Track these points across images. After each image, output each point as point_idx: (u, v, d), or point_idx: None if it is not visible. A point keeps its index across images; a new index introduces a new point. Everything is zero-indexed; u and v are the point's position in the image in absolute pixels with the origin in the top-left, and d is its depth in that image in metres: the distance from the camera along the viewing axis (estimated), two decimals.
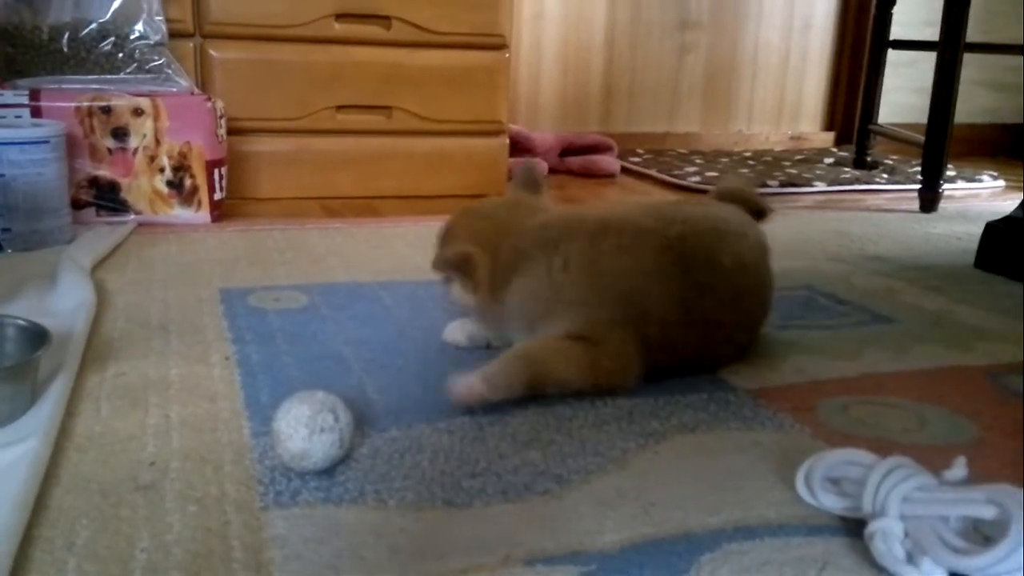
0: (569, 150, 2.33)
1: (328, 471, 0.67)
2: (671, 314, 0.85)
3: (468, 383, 0.78)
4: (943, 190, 1.91)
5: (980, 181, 2.29)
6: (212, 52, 1.73)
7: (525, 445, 0.73)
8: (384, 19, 1.80)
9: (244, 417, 0.77)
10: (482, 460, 0.70)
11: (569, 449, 0.72)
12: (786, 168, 2.36)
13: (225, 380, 0.85)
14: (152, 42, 1.58)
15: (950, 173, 2.10)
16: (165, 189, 1.52)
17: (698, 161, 2.44)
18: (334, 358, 0.92)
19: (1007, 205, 1.85)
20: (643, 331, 0.84)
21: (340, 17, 1.78)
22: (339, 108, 1.82)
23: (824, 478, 0.64)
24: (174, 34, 1.65)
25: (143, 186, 1.52)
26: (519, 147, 2.18)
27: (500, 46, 1.89)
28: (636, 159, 2.42)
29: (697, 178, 2.15)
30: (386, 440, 0.73)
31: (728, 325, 0.90)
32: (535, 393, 0.80)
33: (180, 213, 1.53)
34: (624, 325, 0.83)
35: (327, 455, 0.66)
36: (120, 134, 1.49)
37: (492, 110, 1.91)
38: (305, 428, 0.66)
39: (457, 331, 0.98)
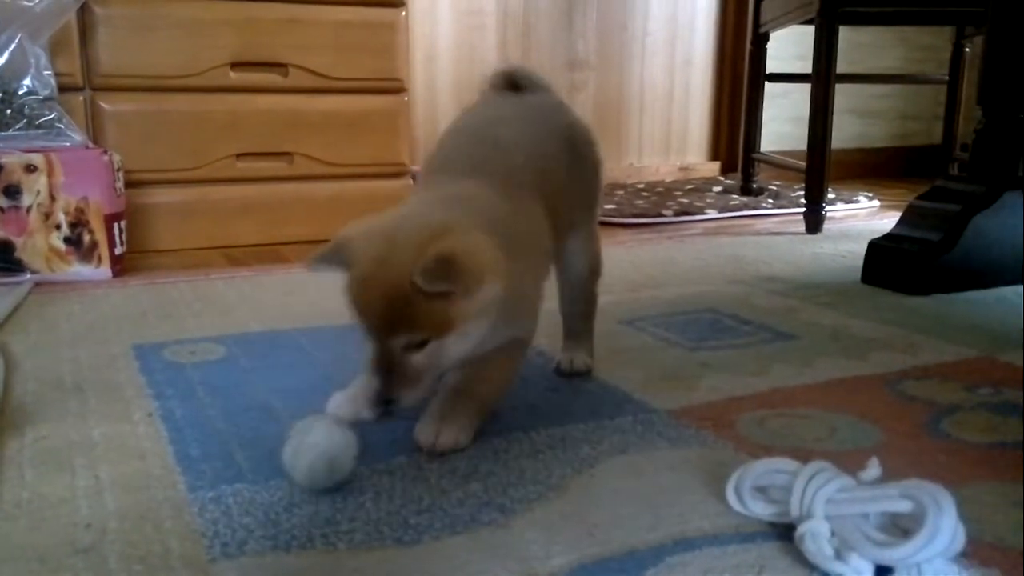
0: None
1: (274, 520, 0.67)
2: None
3: (450, 435, 0.79)
4: (825, 212, 2.03)
5: (857, 202, 2.44)
6: (103, 105, 1.70)
7: (465, 479, 0.74)
8: (281, 67, 1.81)
9: (177, 472, 0.76)
10: (426, 497, 0.71)
11: (509, 479, 0.74)
12: (678, 198, 2.46)
13: (151, 437, 0.83)
14: (42, 97, 1.55)
15: (830, 196, 2.23)
16: (62, 246, 1.48)
17: None
18: (261, 408, 0.91)
19: (884, 223, 1.97)
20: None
21: (236, 66, 1.77)
22: (239, 156, 1.81)
23: (752, 487, 0.67)
24: (64, 88, 1.62)
25: (39, 244, 1.47)
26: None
27: (398, 90, 1.92)
28: None
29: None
30: None
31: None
32: None
33: (80, 270, 1.49)
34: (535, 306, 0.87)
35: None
36: (12, 192, 1.45)
37: (394, 152, 1.93)
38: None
39: (345, 403, 0.84)
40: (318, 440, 0.72)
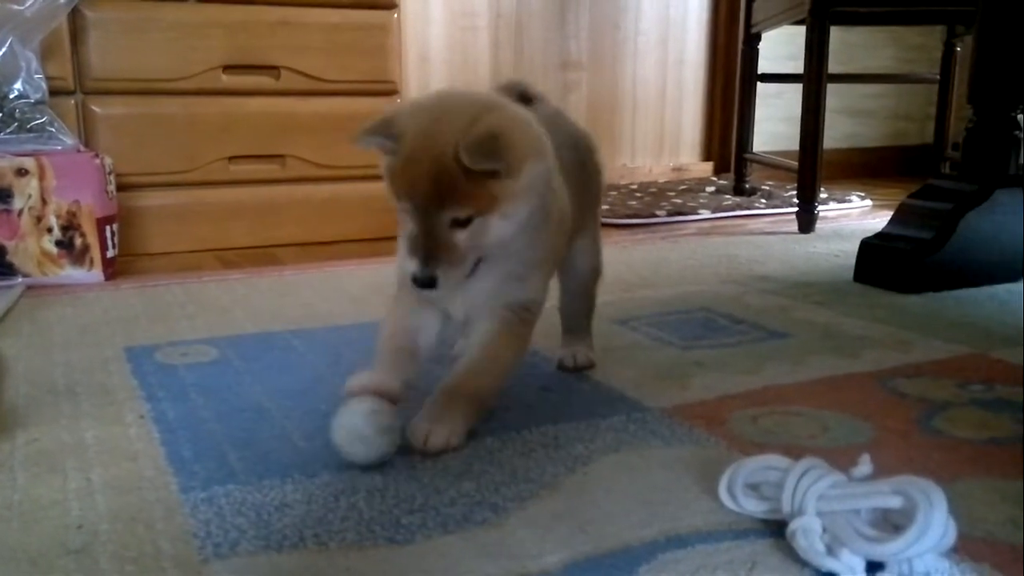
0: None
1: (266, 520, 0.67)
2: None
3: (440, 436, 0.79)
4: (818, 211, 2.03)
5: (850, 201, 2.44)
6: (95, 108, 1.70)
7: (458, 478, 0.74)
8: (273, 69, 1.81)
9: (169, 474, 0.76)
10: (418, 496, 0.71)
11: (501, 478, 0.74)
12: (671, 198, 2.46)
13: (143, 439, 0.83)
14: (33, 100, 1.54)
15: (822, 195, 2.23)
16: (54, 249, 1.48)
17: None
18: (254, 409, 0.91)
19: (876, 223, 1.98)
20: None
21: (228, 69, 1.77)
22: (231, 159, 1.81)
23: (744, 484, 0.68)
24: (55, 91, 1.62)
25: (30, 248, 1.47)
26: None
27: (391, 92, 1.92)
28: None
29: None
30: (319, 485, 0.73)
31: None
32: None
33: (71, 273, 1.49)
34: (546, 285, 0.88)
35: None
36: (3, 195, 1.45)
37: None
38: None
39: (366, 379, 0.80)
40: (343, 421, 0.76)
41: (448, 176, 0.72)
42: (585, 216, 1.00)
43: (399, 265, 0.82)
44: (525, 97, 0.98)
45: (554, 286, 1.04)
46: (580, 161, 0.98)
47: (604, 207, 2.25)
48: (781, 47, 2.78)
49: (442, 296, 0.80)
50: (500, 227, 0.76)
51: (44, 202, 1.47)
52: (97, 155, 1.53)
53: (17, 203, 1.46)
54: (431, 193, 0.73)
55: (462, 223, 0.74)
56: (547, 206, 0.81)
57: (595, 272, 1.05)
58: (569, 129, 1.00)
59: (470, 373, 0.84)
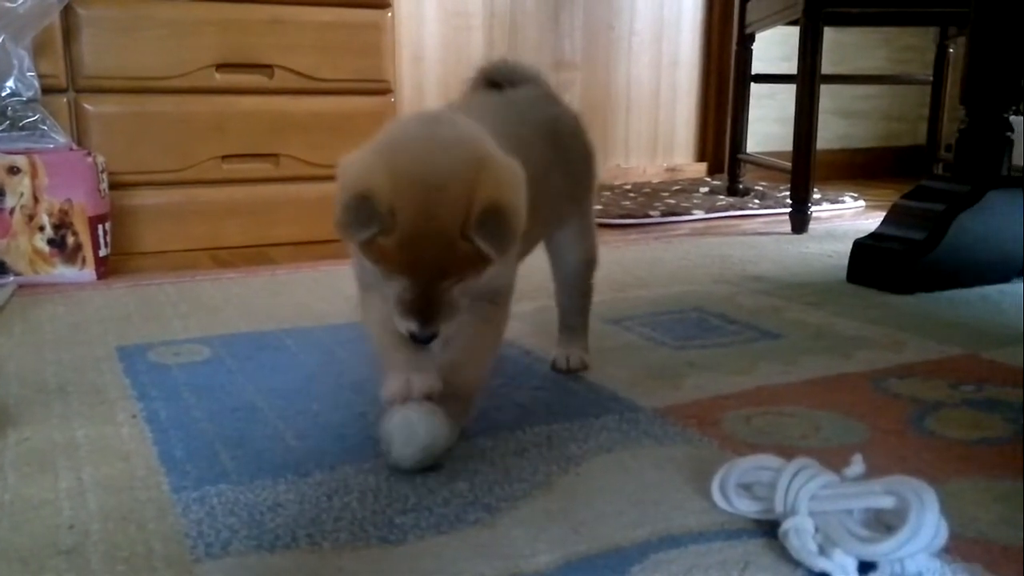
0: None
1: (259, 520, 0.67)
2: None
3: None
4: (811, 212, 2.04)
5: (843, 202, 2.45)
6: (87, 106, 1.69)
7: (451, 477, 0.74)
8: (266, 68, 1.80)
9: (161, 474, 0.75)
10: (411, 496, 0.71)
11: (495, 477, 0.74)
12: (665, 199, 2.47)
13: (135, 438, 0.83)
14: (25, 98, 1.54)
15: (816, 196, 2.24)
16: (46, 248, 1.47)
17: None
18: (247, 408, 0.91)
19: (869, 223, 1.98)
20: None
21: (220, 67, 1.77)
22: (224, 157, 1.80)
23: (737, 484, 0.68)
24: (47, 89, 1.61)
25: (22, 246, 1.46)
26: None
27: (385, 91, 1.91)
28: None
29: None
30: (311, 484, 0.73)
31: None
32: None
33: (64, 272, 1.48)
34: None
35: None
36: None
37: None
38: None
39: (403, 384, 0.77)
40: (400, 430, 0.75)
41: (453, 254, 0.71)
42: (570, 204, 0.98)
43: (358, 272, 0.80)
44: (493, 82, 0.98)
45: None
46: (562, 146, 0.95)
47: (598, 207, 2.26)
48: (774, 48, 2.79)
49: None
50: (493, 274, 0.75)
51: (36, 200, 1.46)
52: (89, 153, 1.53)
53: (9, 201, 1.45)
54: (435, 270, 0.71)
55: (459, 285, 0.73)
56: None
57: (588, 263, 1.02)
58: (552, 112, 0.97)
59: (454, 371, 0.81)
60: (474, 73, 1.00)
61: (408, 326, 0.73)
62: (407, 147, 0.74)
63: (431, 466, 0.75)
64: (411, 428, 0.74)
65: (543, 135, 0.94)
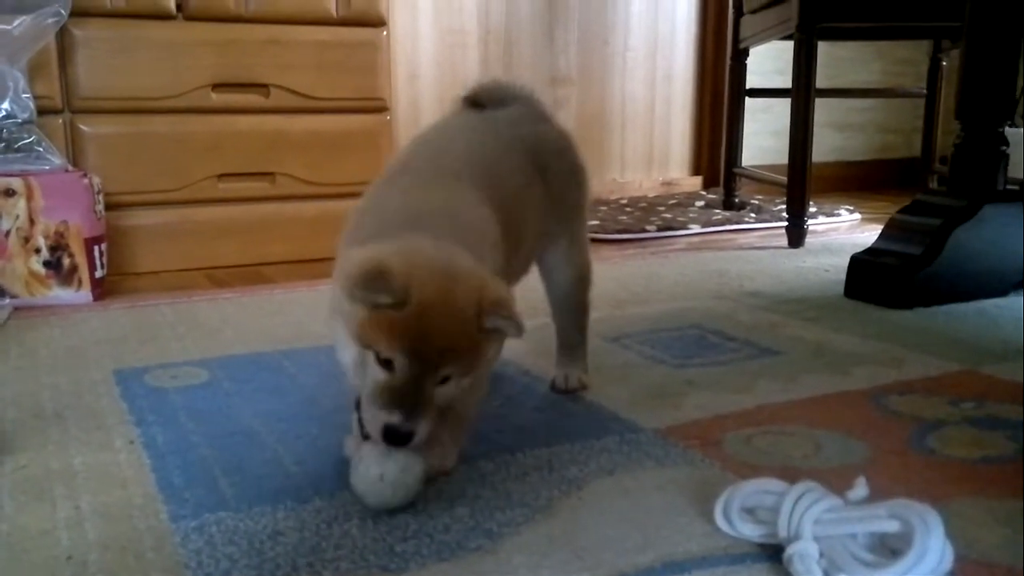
0: None
1: (258, 549, 0.66)
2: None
3: (436, 457, 0.76)
4: (807, 226, 2.04)
5: (839, 215, 2.45)
6: (83, 127, 1.69)
7: (452, 503, 0.74)
8: (263, 87, 1.81)
9: (159, 501, 0.75)
10: (412, 522, 0.70)
11: (496, 503, 0.74)
12: (661, 213, 2.47)
13: (133, 465, 0.82)
14: (20, 120, 1.53)
15: (812, 209, 2.24)
16: (42, 270, 1.47)
17: None
18: (245, 433, 0.90)
19: (865, 236, 1.99)
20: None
21: (217, 87, 1.77)
22: (221, 177, 1.80)
23: (740, 508, 0.67)
24: (43, 111, 1.61)
25: (18, 268, 1.46)
26: None
27: (381, 109, 1.92)
28: None
29: None
30: (311, 511, 0.73)
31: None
32: None
33: (60, 294, 1.48)
34: None
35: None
36: None
37: (376, 171, 1.91)
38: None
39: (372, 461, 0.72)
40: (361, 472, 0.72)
41: (461, 333, 0.70)
42: (557, 222, 0.97)
43: (338, 345, 0.76)
44: (476, 102, 0.99)
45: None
46: (543, 164, 0.95)
47: (594, 222, 2.26)
48: (769, 62, 2.80)
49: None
50: (466, 384, 0.73)
51: (32, 222, 1.46)
52: (85, 174, 1.52)
53: (5, 224, 1.45)
54: (442, 351, 0.69)
55: (445, 380, 0.71)
56: None
57: (581, 282, 1.02)
58: (536, 130, 0.98)
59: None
60: (464, 93, 1.00)
61: (388, 418, 0.69)
62: (413, 246, 0.73)
63: (404, 505, 0.72)
64: (379, 466, 0.71)
65: (522, 153, 0.94)
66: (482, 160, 0.89)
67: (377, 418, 0.69)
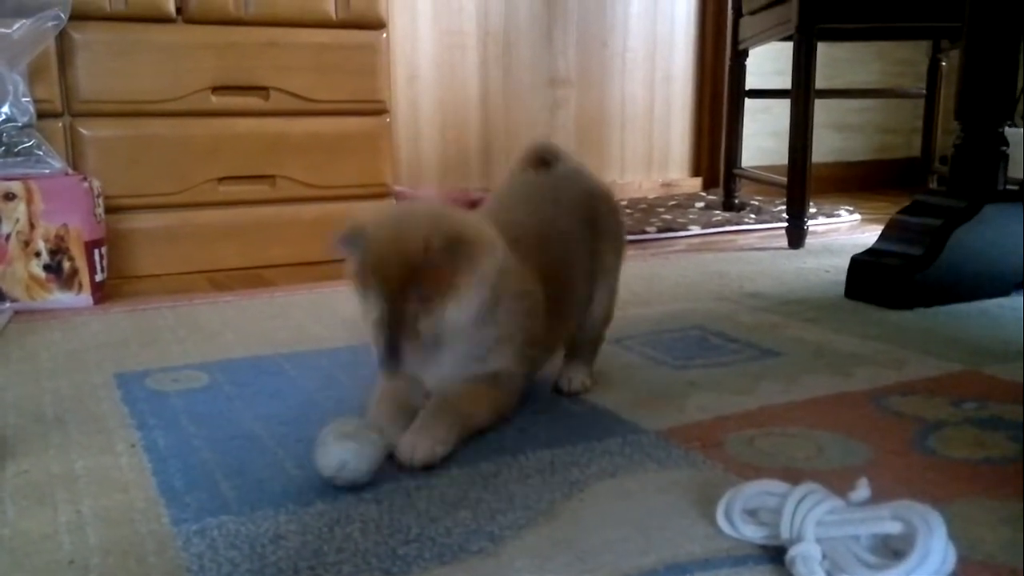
0: None
1: (260, 552, 0.66)
2: (545, 325, 0.94)
3: (424, 445, 0.81)
4: (807, 226, 2.04)
5: (839, 216, 2.45)
6: (83, 131, 1.69)
7: (454, 506, 0.74)
8: (262, 90, 1.81)
9: (161, 505, 0.75)
10: (414, 525, 0.70)
11: (498, 505, 0.73)
12: (661, 214, 2.47)
13: (135, 469, 0.82)
14: (20, 124, 1.54)
15: (812, 210, 2.24)
16: (42, 274, 1.47)
17: None
18: (246, 436, 0.90)
19: (865, 237, 1.99)
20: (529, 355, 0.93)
21: (216, 90, 1.77)
22: (221, 180, 1.80)
23: (742, 510, 0.67)
24: (43, 114, 1.61)
25: (18, 272, 1.46)
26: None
27: (380, 111, 1.92)
28: None
29: None
30: (313, 515, 0.72)
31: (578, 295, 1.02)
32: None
33: (60, 297, 1.48)
34: (521, 358, 0.92)
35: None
36: None
37: (376, 173, 1.93)
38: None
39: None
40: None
41: (415, 266, 0.80)
42: (604, 268, 1.04)
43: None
44: (544, 160, 1.07)
45: None
46: (590, 219, 1.03)
47: None
48: (768, 63, 2.80)
49: (408, 373, 0.84)
50: (456, 314, 0.82)
51: (32, 226, 1.46)
52: (85, 178, 1.52)
53: (5, 228, 1.45)
54: (398, 280, 0.80)
55: (424, 311, 0.81)
56: (497, 293, 0.87)
57: (606, 318, 1.08)
58: (584, 186, 1.07)
59: (457, 393, 0.88)
60: (529, 152, 1.09)
61: (378, 342, 0.81)
62: (399, 207, 0.91)
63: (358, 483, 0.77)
64: (338, 451, 0.76)
65: (580, 207, 1.03)
66: (537, 229, 0.98)
67: (375, 352, 0.82)
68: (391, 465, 0.80)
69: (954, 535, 0.59)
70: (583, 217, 1.03)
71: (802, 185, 2.00)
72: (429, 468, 0.80)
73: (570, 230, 1.01)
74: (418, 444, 0.81)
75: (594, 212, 1.04)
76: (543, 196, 1.03)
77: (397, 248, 0.82)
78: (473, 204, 2.33)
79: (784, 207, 2.09)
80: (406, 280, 0.80)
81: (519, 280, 0.90)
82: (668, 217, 2.40)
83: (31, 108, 1.55)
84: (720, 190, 2.63)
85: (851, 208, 2.55)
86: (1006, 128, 1.50)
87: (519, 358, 0.91)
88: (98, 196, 1.55)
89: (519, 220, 0.98)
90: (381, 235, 0.83)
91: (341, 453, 0.75)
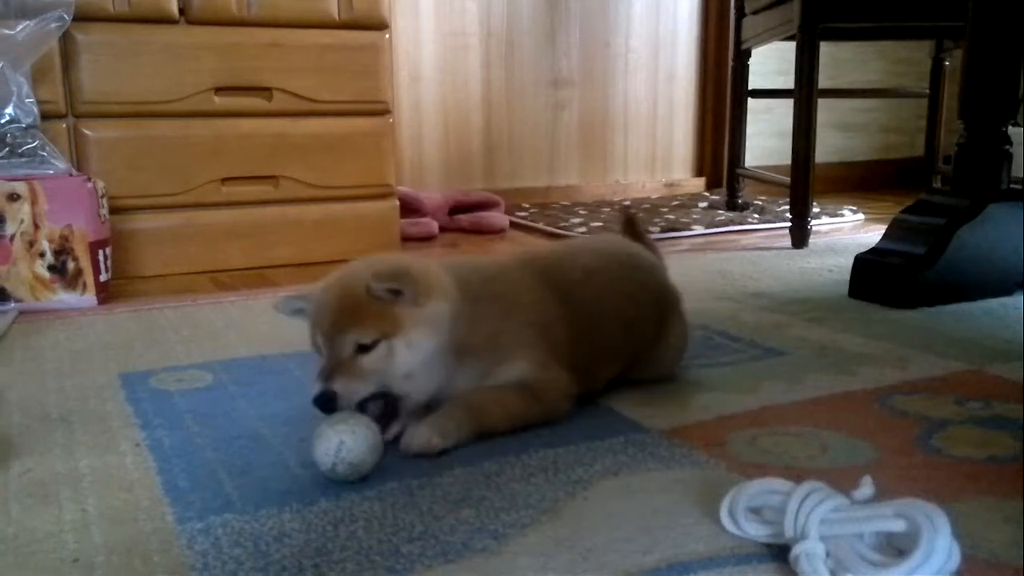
0: (458, 208, 2.37)
1: (264, 551, 0.66)
2: (578, 338, 0.94)
3: (422, 434, 0.83)
4: (811, 226, 2.04)
5: (842, 216, 2.45)
6: (87, 131, 1.69)
7: (457, 504, 0.74)
8: (265, 91, 1.81)
9: (165, 504, 0.75)
10: (417, 524, 0.70)
11: (501, 504, 0.74)
12: (664, 214, 2.47)
13: (139, 468, 0.83)
14: (24, 125, 1.54)
15: (815, 210, 2.24)
16: (47, 274, 1.47)
17: (582, 212, 2.53)
18: (250, 436, 0.90)
19: (869, 236, 1.99)
20: (564, 360, 0.92)
21: (220, 91, 1.77)
22: (224, 180, 1.80)
23: (746, 508, 0.67)
24: (46, 115, 1.61)
25: (23, 272, 1.46)
26: (408, 208, 2.20)
27: (383, 112, 1.92)
28: (523, 213, 2.48)
29: (583, 228, 2.22)
30: (317, 513, 0.73)
31: (626, 338, 1.00)
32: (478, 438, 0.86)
33: (64, 298, 1.48)
34: (551, 360, 0.91)
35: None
36: None
37: (380, 174, 1.93)
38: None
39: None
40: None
41: (353, 301, 0.82)
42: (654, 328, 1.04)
43: None
44: (636, 231, 1.18)
45: None
46: (640, 281, 1.04)
47: (598, 224, 2.26)
48: (771, 62, 2.79)
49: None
50: (405, 354, 0.82)
51: (36, 227, 1.46)
52: (89, 179, 1.53)
53: (9, 228, 1.45)
54: (336, 317, 0.82)
55: (367, 347, 0.81)
56: (460, 339, 0.86)
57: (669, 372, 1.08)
58: (658, 278, 1.09)
59: (474, 392, 0.89)
60: (620, 218, 1.21)
61: (313, 388, 0.81)
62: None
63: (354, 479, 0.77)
64: (329, 448, 0.76)
65: (636, 270, 1.06)
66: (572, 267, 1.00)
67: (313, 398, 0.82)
68: (394, 464, 0.80)
69: (958, 533, 0.59)
70: (635, 277, 1.04)
71: (805, 185, 2.00)
72: (424, 457, 0.82)
73: (631, 294, 1.01)
74: (417, 433, 0.83)
75: (661, 300, 1.06)
76: (618, 257, 1.06)
77: (337, 294, 0.84)
78: (479, 204, 2.34)
79: (787, 207, 2.09)
80: (344, 315, 0.82)
81: (524, 304, 0.92)
82: (671, 217, 2.40)
83: (35, 109, 1.56)
84: (723, 190, 2.63)
85: (854, 208, 2.55)
86: (1009, 127, 1.50)
87: (545, 370, 0.90)
88: (102, 197, 1.55)
89: (577, 257, 1.02)
90: (323, 289, 0.86)
91: (337, 435, 0.76)
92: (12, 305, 1.45)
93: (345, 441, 0.76)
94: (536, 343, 0.90)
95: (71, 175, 1.55)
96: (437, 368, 0.85)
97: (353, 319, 0.81)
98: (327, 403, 0.80)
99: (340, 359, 0.81)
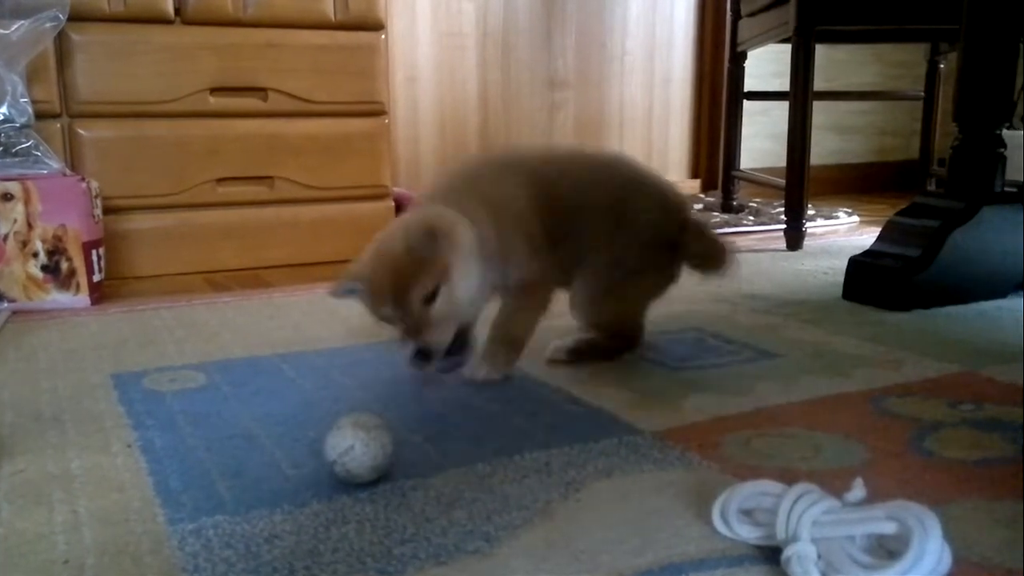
0: None
1: (255, 552, 0.66)
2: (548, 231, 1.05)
3: (483, 368, 1.01)
4: (806, 228, 2.04)
5: (837, 218, 2.45)
6: (81, 131, 1.69)
7: (449, 506, 0.74)
8: (260, 91, 1.81)
9: (156, 505, 0.75)
10: (409, 525, 0.70)
11: (493, 506, 0.73)
12: None
13: (131, 469, 0.82)
14: (18, 124, 1.54)
15: (810, 212, 2.24)
16: (40, 274, 1.47)
17: None
18: (243, 436, 0.90)
19: (864, 239, 1.99)
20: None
21: (215, 91, 1.77)
22: (219, 181, 1.80)
23: (738, 510, 0.67)
24: (41, 115, 1.61)
25: (16, 272, 1.46)
26: (404, 209, 2.20)
27: (379, 112, 1.92)
28: None
29: None
30: (309, 515, 0.72)
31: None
32: None
33: (58, 298, 1.48)
34: (536, 250, 1.03)
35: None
36: None
37: (375, 175, 1.93)
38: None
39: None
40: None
41: (401, 264, 0.91)
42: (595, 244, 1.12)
43: None
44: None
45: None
46: (618, 199, 1.13)
47: None
48: (767, 65, 2.80)
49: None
50: (462, 287, 0.93)
51: (30, 226, 1.46)
52: (83, 179, 1.52)
53: (2, 228, 1.45)
54: (395, 282, 0.91)
55: (430, 297, 0.91)
56: (494, 255, 0.99)
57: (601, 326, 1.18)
58: (629, 174, 1.20)
59: (498, 324, 1.05)
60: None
61: (406, 350, 0.92)
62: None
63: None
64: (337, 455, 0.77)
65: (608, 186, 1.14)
66: (548, 171, 1.10)
67: (408, 365, 0.95)
68: (386, 465, 0.80)
69: (950, 536, 0.59)
70: (611, 194, 1.12)
71: (800, 187, 2.00)
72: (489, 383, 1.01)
73: (596, 196, 1.10)
74: (480, 367, 1.01)
75: (623, 197, 1.13)
76: (588, 163, 1.17)
77: (384, 265, 0.93)
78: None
79: (782, 209, 2.09)
80: (403, 285, 0.91)
81: (515, 211, 1.03)
82: None
83: (29, 109, 1.56)
84: (719, 192, 2.63)
85: (849, 210, 2.55)
86: (1004, 130, 1.50)
87: (535, 256, 1.03)
88: (96, 197, 1.55)
89: (552, 161, 1.13)
90: (370, 269, 0.95)
91: (352, 438, 0.76)
92: (5, 305, 1.44)
93: (355, 447, 0.76)
94: (526, 243, 1.02)
95: (65, 175, 1.54)
96: (484, 284, 0.98)
97: (409, 278, 0.90)
98: (425, 356, 0.91)
99: (415, 317, 0.91)
